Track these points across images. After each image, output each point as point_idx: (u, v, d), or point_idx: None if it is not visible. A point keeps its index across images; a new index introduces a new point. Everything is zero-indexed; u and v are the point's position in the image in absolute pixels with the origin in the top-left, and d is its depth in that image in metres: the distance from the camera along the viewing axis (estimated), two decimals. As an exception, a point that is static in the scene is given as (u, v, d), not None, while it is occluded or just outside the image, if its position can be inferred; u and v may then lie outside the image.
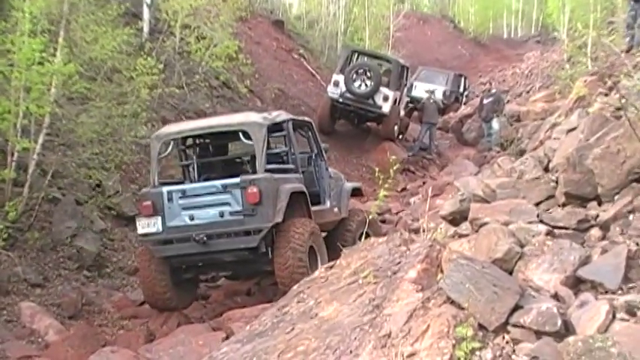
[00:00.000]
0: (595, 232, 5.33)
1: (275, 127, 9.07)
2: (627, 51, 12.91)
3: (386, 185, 6.84)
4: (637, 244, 4.61)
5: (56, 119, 10.74)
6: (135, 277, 10.43)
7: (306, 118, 10.57)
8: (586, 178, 6.33)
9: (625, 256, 4.34)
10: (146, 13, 16.11)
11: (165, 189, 8.57)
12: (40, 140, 10.08)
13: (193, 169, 9.67)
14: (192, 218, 8.39)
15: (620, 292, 4.16)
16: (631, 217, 5.34)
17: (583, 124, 7.82)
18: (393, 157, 10.09)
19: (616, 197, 5.97)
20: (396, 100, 18.73)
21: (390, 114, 18.41)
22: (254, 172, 8.68)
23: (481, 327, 3.83)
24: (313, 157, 9.97)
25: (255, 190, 8.04)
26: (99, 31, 11.66)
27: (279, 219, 8.19)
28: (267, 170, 8.43)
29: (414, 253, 4.87)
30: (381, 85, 18.07)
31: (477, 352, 3.60)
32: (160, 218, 8.38)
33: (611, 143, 6.34)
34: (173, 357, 7.31)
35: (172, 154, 10.08)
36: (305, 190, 8.91)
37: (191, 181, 9.45)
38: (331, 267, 5.49)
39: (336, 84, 18.52)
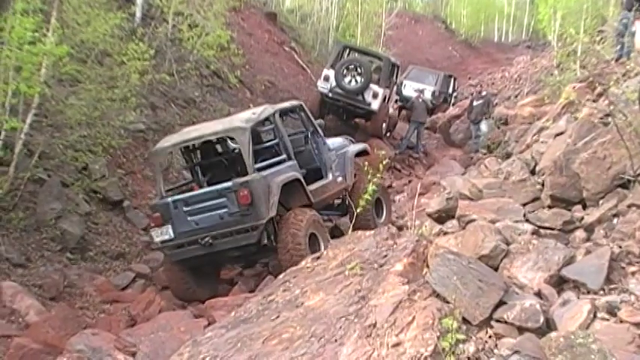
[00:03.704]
0: (579, 234, 5.42)
1: (262, 124, 9.58)
2: (617, 60, 13.02)
3: (374, 179, 6.89)
4: (620, 247, 4.69)
5: (45, 100, 10.66)
6: (118, 262, 10.44)
7: (294, 102, 10.84)
8: (572, 182, 6.42)
9: (608, 257, 4.43)
10: (139, -2, 16.03)
11: (170, 199, 9.08)
12: (28, 120, 10.01)
13: (198, 170, 10.30)
14: (197, 223, 8.91)
15: (601, 292, 4.24)
16: (615, 220, 5.43)
17: (571, 129, 7.91)
18: (382, 152, 10.20)
19: (601, 201, 6.06)
20: (385, 97, 18.76)
21: (378, 111, 18.44)
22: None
23: (465, 321, 3.88)
24: (309, 135, 10.45)
25: (245, 192, 8.55)
26: (91, 13, 11.59)
27: (272, 213, 8.71)
28: (257, 169, 8.87)
29: (401, 247, 4.92)
30: (371, 82, 18.09)
31: (461, 345, 3.65)
32: (170, 226, 8.95)
33: (598, 148, 6.43)
34: (154, 342, 7.30)
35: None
36: (299, 176, 9.37)
37: (199, 181, 10.08)
38: (318, 258, 5.52)
39: (327, 79, 18.51)
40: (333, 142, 11.03)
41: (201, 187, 9.83)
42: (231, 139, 9.17)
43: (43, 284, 9.00)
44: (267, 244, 8.91)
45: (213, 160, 10.36)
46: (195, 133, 9.45)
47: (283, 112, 10.16)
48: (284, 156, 9.55)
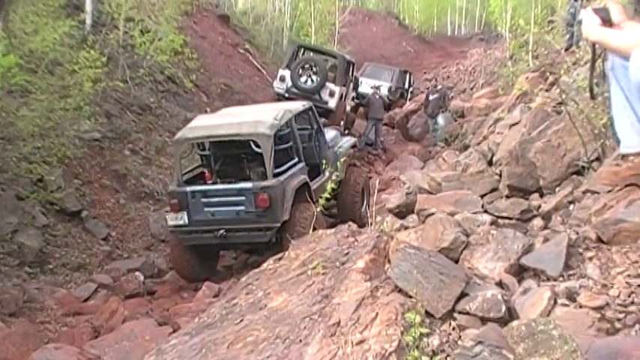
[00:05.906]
0: (537, 222, 5.48)
1: (282, 128, 9.99)
2: (567, 49, 13.26)
3: (333, 178, 6.89)
4: (577, 233, 4.76)
5: (-5, 112, 10.47)
6: (79, 273, 10.27)
7: (306, 104, 11.26)
8: (528, 171, 6.51)
9: (566, 244, 4.48)
10: (88, 5, 15.78)
11: (189, 189, 9.65)
12: (-22, 134, 9.82)
13: (210, 157, 10.69)
14: (213, 214, 9.53)
15: (561, 278, 4.29)
16: (571, 207, 5.52)
17: (525, 119, 8.03)
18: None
19: (557, 189, 6.16)
20: (342, 95, 18.78)
21: (336, 109, 18.44)
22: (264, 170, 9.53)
23: (428, 314, 3.89)
24: (313, 133, 11.13)
25: (265, 196, 9.18)
26: (39, 22, 11.40)
27: (286, 217, 9.31)
28: (275, 174, 9.40)
29: (362, 245, 4.92)
30: (327, 80, 18.09)
31: (425, 339, 3.66)
32: (185, 213, 9.54)
33: (552, 137, 6.53)
34: (119, 352, 7.18)
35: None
36: (308, 179, 10.03)
37: (210, 168, 10.57)
38: (280, 259, 5.49)
39: (283, 79, 18.46)
40: (328, 135, 11.59)
41: (211, 173, 10.41)
42: (255, 144, 9.53)
43: (2, 300, 8.78)
44: (275, 241, 9.41)
45: (229, 153, 10.75)
46: (219, 131, 9.83)
47: (298, 115, 10.64)
48: (296, 159, 10.18)
